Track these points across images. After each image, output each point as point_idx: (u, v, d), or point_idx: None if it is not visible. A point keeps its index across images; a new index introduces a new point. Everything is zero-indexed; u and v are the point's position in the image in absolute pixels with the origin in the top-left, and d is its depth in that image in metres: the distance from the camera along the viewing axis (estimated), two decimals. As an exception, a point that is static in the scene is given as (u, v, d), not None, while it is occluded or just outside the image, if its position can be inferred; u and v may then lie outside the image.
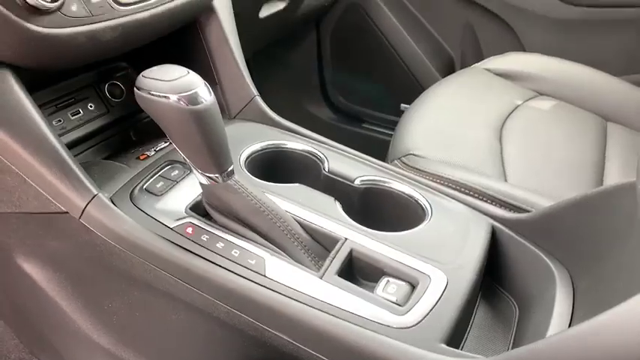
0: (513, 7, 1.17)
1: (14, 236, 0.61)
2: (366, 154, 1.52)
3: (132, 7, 0.52)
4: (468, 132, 0.83)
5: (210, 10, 0.65)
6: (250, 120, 0.71)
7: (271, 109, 0.73)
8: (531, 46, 1.18)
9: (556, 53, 1.07)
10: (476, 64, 1.07)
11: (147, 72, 0.46)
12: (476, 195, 0.64)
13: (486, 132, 0.84)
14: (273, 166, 0.65)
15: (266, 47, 1.30)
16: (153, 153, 0.63)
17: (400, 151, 0.77)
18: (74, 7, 0.46)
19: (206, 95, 0.45)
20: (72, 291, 0.61)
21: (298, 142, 0.66)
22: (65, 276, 0.61)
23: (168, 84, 0.44)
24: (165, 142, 0.65)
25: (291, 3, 1.05)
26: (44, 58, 0.49)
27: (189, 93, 0.44)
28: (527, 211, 0.62)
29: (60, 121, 0.64)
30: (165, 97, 0.44)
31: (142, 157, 0.62)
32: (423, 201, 0.58)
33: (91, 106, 0.68)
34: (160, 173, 0.58)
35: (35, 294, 0.64)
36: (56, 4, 0.44)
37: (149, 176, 0.57)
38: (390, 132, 1.50)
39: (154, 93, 0.45)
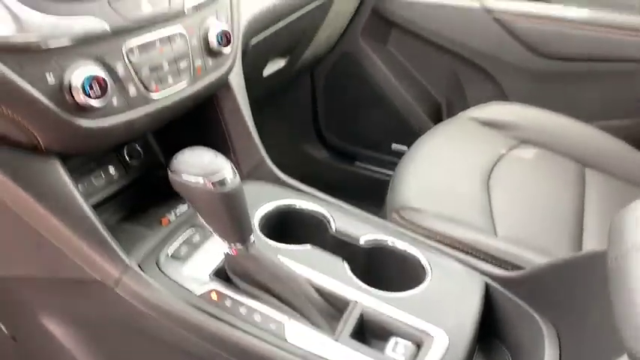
0: (495, 60, 1.26)
1: (41, 297, 0.65)
2: (359, 190, 1.59)
3: (163, 94, 0.58)
4: (458, 184, 0.90)
5: (226, 85, 0.71)
6: (260, 179, 0.77)
7: (268, 149, 0.79)
8: (512, 94, 1.27)
9: (535, 101, 1.16)
10: (462, 113, 1.14)
11: (179, 156, 0.52)
12: (469, 251, 0.70)
13: (475, 183, 0.91)
14: (284, 226, 0.71)
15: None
16: (174, 217, 0.68)
17: (398, 203, 0.83)
18: (115, 102, 0.52)
19: (233, 178, 0.51)
20: (95, 350, 0.65)
21: (305, 201, 0.72)
22: (90, 336, 0.65)
23: (200, 169, 0.50)
24: (183, 205, 0.70)
25: (290, 60, 1.13)
26: (85, 147, 0.54)
27: (218, 177, 0.50)
28: (517, 267, 0.68)
29: (84, 185, 0.69)
30: (196, 181, 0.50)
31: (164, 222, 0.67)
32: (423, 260, 0.64)
33: (111, 170, 0.73)
34: (183, 239, 0.63)
35: (55, 351, 0.67)
36: (103, 103, 0.49)
37: (173, 242, 0.62)
38: (381, 169, 1.58)
39: (187, 177, 0.50)
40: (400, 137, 1.50)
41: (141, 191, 0.78)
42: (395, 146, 1.51)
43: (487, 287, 0.62)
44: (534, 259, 0.70)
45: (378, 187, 1.55)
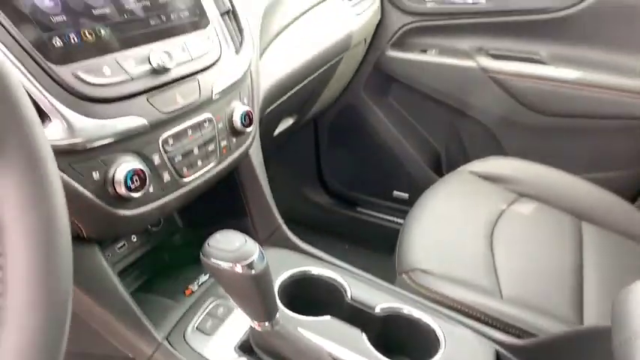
0: (492, 115, 1.33)
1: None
2: (361, 236, 1.61)
3: (194, 177, 0.61)
4: (463, 242, 0.94)
5: (246, 156, 0.75)
6: (276, 245, 0.81)
7: (272, 194, 0.81)
8: (510, 147, 1.33)
9: (532, 154, 1.21)
10: (462, 167, 1.19)
11: (212, 241, 0.55)
12: (479, 316, 0.74)
13: (479, 241, 0.95)
14: (302, 292, 0.74)
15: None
16: (196, 287, 0.71)
17: (407, 265, 0.87)
18: (151, 189, 0.56)
19: (261, 260, 0.54)
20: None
21: (321, 268, 0.75)
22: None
23: (231, 254, 0.53)
24: (205, 275, 0.73)
25: (298, 117, 1.18)
26: (123, 233, 0.58)
27: (249, 261, 0.53)
28: (524, 332, 0.72)
29: (109, 255, 0.72)
30: (226, 265, 0.53)
31: (187, 293, 0.70)
32: (436, 329, 0.67)
33: (134, 238, 0.76)
34: (207, 311, 0.66)
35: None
36: (142, 194, 0.53)
37: (198, 315, 0.65)
38: (382, 215, 1.62)
39: (218, 261, 0.53)
40: (401, 184, 1.55)
41: (160, 255, 0.81)
42: (396, 193, 1.56)
43: (497, 355, 0.65)
44: (540, 323, 0.74)
45: (379, 233, 1.60)
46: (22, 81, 0.45)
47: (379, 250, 1.52)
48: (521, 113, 1.28)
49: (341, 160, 1.59)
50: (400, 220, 1.58)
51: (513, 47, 1.28)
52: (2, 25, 0.45)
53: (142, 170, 0.53)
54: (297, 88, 1.00)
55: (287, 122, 1.16)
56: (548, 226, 1.04)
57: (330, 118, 1.51)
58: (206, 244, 0.55)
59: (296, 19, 0.97)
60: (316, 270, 0.75)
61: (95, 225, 0.53)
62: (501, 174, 1.16)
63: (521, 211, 1.08)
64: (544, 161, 1.19)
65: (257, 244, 0.56)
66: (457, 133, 1.42)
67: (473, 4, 1.26)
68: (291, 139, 1.56)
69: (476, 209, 1.05)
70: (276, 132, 1.12)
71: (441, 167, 1.49)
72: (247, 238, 0.56)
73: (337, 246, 1.63)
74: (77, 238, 0.53)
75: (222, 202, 0.81)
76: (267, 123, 0.98)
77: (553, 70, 1.22)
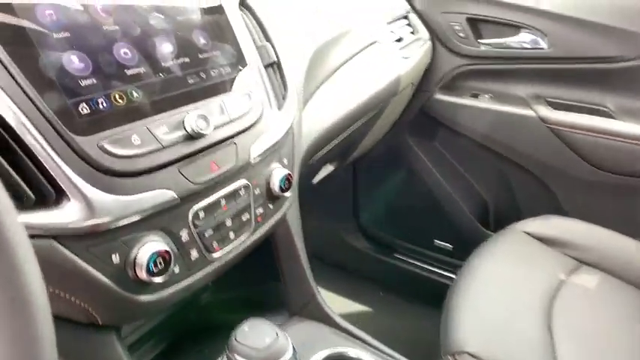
0: (548, 168, 1.22)
1: None
2: (396, 283, 1.51)
3: (224, 252, 0.55)
4: (517, 319, 0.83)
5: (283, 222, 0.69)
6: (309, 317, 0.73)
7: (306, 234, 0.74)
8: (567, 204, 1.22)
9: (591, 214, 1.10)
10: (514, 225, 1.09)
11: (239, 336, 0.48)
12: None
13: (535, 319, 0.84)
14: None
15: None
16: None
17: (454, 346, 0.77)
18: (177, 270, 0.50)
19: (294, 362, 0.47)
20: None
21: (357, 349, 0.67)
22: None
23: (261, 354, 0.46)
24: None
25: (338, 163, 1.12)
26: (142, 317, 0.52)
27: (280, 362, 0.46)
28: None
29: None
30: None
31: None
32: None
33: None
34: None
35: None
36: (165, 279, 0.47)
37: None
38: (421, 264, 1.52)
39: (245, 360, 0.47)
40: (443, 233, 1.45)
41: (186, 315, 0.75)
42: (437, 243, 1.46)
43: None
44: None
45: (417, 282, 1.49)
46: (41, 155, 0.40)
47: (415, 299, 1.42)
48: (582, 169, 1.17)
49: (380, 203, 1.51)
50: (440, 271, 1.48)
51: (575, 97, 1.18)
52: (24, 91, 0.40)
53: (167, 252, 0.47)
54: (342, 136, 0.93)
55: (327, 169, 1.10)
56: (615, 303, 0.92)
57: (371, 160, 1.43)
58: (233, 339, 0.48)
59: (342, 64, 0.91)
60: (353, 352, 0.67)
61: (111, 312, 0.47)
62: (560, 237, 1.05)
63: (583, 284, 0.96)
64: (605, 223, 1.07)
65: (289, 339, 0.49)
66: (508, 184, 1.32)
67: (532, 49, 1.16)
68: (328, 182, 1.49)
69: (531, 279, 0.94)
70: (316, 180, 1.06)
71: (488, 219, 1.38)
72: (278, 331, 0.49)
73: (372, 292, 1.54)
74: (92, 325, 0.47)
75: (256, 264, 0.74)
76: (308, 174, 0.92)
77: (622, 124, 1.11)
